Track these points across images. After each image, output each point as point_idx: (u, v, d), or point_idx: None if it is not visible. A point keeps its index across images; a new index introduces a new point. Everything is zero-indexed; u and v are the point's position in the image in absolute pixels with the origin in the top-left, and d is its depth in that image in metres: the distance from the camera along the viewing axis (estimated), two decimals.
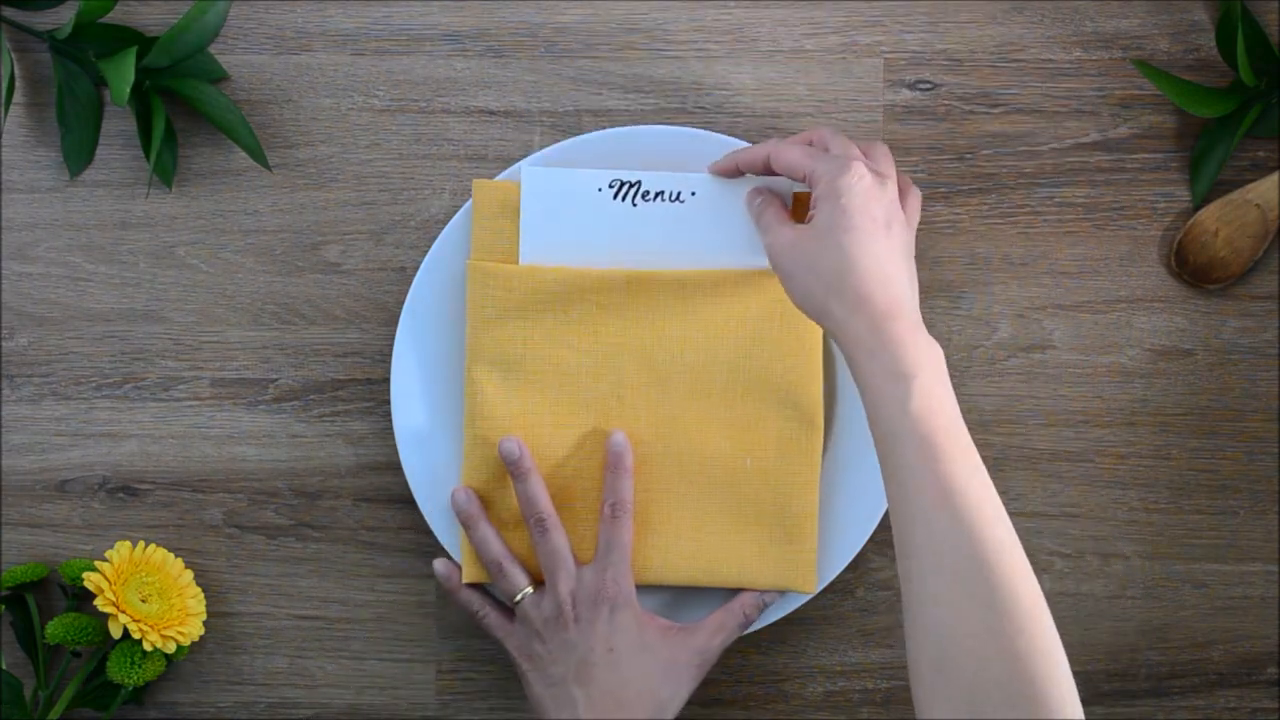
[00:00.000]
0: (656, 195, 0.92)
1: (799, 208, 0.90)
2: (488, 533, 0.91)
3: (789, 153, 0.85)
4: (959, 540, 0.74)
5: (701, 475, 0.93)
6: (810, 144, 0.87)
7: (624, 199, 0.92)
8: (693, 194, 0.92)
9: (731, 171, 0.90)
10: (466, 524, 0.92)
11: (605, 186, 0.92)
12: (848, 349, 0.80)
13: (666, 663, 0.89)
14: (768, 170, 0.88)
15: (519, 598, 0.91)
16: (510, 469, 0.91)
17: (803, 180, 0.85)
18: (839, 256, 0.80)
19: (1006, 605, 0.73)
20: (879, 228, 0.81)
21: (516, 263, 0.92)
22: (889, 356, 0.78)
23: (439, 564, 0.93)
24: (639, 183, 0.92)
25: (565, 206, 0.92)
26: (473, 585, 0.93)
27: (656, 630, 0.90)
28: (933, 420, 0.76)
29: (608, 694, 0.88)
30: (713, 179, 0.91)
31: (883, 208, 0.82)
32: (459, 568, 0.93)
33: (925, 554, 0.75)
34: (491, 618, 0.92)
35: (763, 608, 0.92)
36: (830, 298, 0.81)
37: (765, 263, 0.92)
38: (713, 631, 0.91)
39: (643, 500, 0.93)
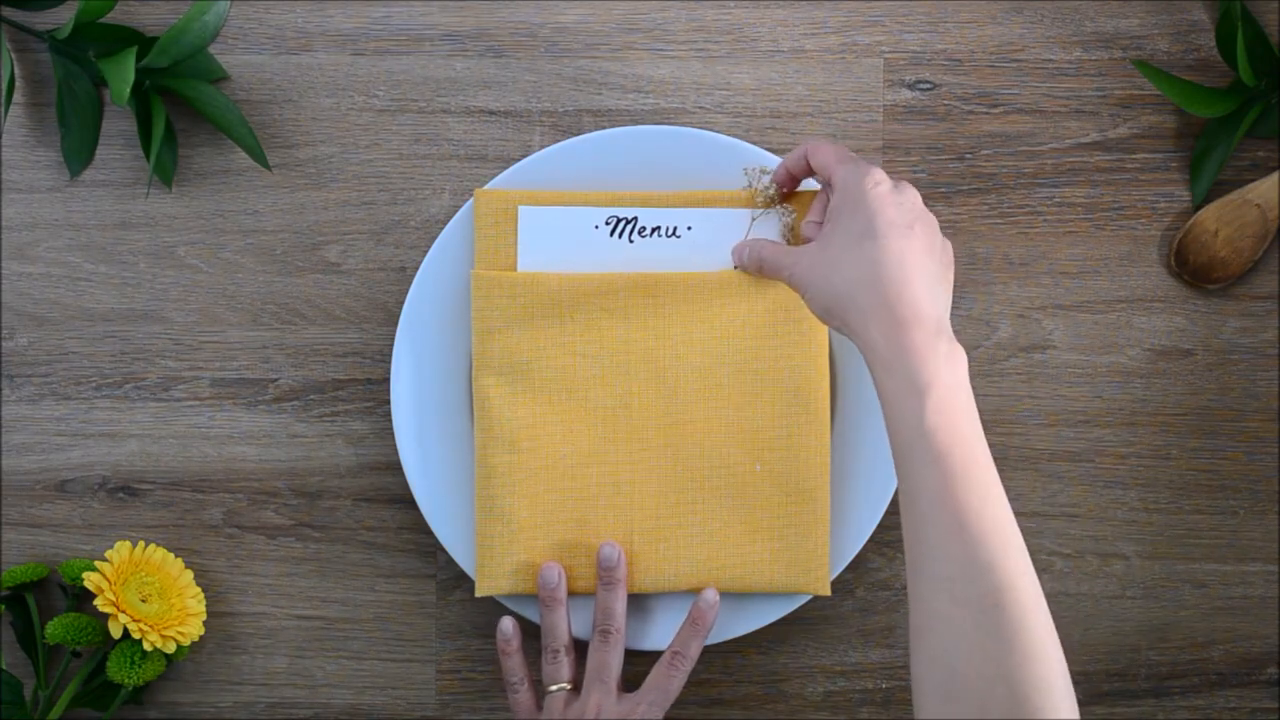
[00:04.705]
0: (653, 230, 0.92)
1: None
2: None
3: (824, 150, 0.85)
4: (972, 572, 0.72)
5: (712, 481, 0.92)
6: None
7: (620, 235, 0.92)
8: (689, 229, 0.92)
9: (785, 180, 0.90)
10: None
11: (602, 223, 0.92)
12: (867, 359, 0.78)
13: None
14: (808, 171, 0.88)
15: (555, 689, 0.90)
16: (543, 594, 0.91)
17: (827, 182, 0.85)
18: (857, 264, 0.78)
19: (1018, 639, 0.72)
20: (897, 230, 0.79)
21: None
22: (905, 368, 0.75)
23: (507, 623, 0.92)
24: (635, 218, 0.92)
25: (562, 245, 0.92)
26: (520, 658, 0.92)
27: None
28: (949, 437, 0.74)
29: None
30: (710, 213, 0.91)
31: (903, 211, 0.79)
32: (521, 634, 0.92)
33: (937, 581, 0.73)
34: (523, 694, 0.91)
35: (700, 637, 0.91)
36: (848, 308, 0.78)
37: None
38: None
39: (654, 508, 0.92)
